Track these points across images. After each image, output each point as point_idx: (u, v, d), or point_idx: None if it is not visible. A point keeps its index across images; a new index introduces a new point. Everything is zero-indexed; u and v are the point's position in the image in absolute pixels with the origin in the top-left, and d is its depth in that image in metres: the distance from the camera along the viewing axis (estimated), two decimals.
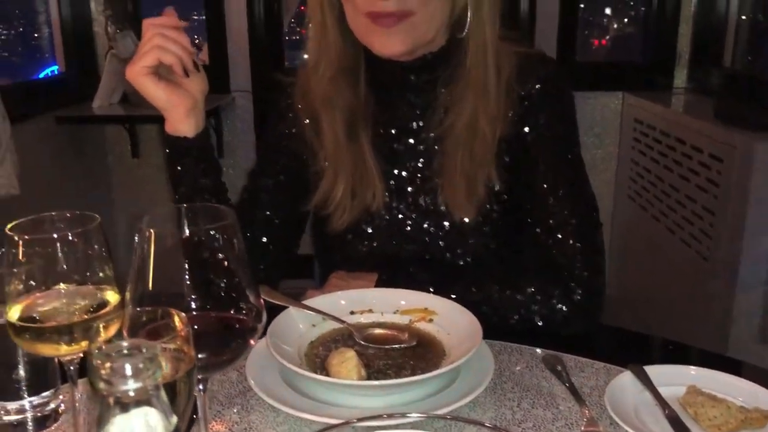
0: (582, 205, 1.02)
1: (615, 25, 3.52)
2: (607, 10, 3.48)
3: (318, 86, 1.04)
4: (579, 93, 2.98)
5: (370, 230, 1.08)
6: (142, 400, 0.37)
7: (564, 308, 0.95)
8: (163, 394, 0.37)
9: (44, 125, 2.51)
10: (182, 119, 1.00)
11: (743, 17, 2.71)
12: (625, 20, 3.43)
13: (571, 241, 0.99)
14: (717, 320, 2.04)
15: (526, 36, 2.82)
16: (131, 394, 0.36)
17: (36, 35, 2.93)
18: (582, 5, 3.09)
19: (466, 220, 1.03)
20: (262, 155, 1.14)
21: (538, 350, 0.89)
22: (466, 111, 1.01)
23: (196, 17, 3.19)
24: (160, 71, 0.97)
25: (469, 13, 0.99)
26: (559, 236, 0.99)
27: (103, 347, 0.38)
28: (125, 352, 0.37)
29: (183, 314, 0.49)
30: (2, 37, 2.68)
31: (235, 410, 0.77)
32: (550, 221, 1.00)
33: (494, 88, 1.01)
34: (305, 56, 1.08)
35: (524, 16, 2.85)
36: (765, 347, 1.94)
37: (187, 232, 0.58)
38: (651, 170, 2.57)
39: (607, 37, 3.55)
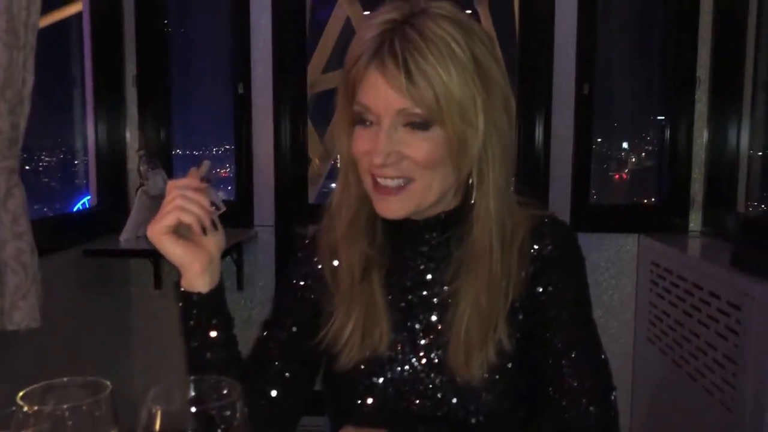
0: (595, 367, 1.03)
1: (633, 159, 3.64)
2: (625, 144, 3.61)
3: (339, 226, 1.09)
4: (595, 234, 3.03)
5: (380, 382, 1.08)
6: None
7: None
8: None
9: (72, 257, 2.59)
10: (198, 275, 1.04)
11: (755, 165, 2.78)
12: (643, 155, 3.55)
13: (584, 405, 0.99)
14: None
15: (541, 180, 2.91)
16: None
17: (73, 167, 3.10)
18: (599, 139, 3.22)
19: (478, 372, 1.03)
20: (277, 305, 1.16)
21: None
22: (475, 272, 1.04)
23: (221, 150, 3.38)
24: (180, 229, 1.02)
25: (473, 183, 1.03)
26: (573, 400, 0.99)
27: None
28: None
29: None
30: (43, 165, 2.85)
31: None
32: (564, 384, 1.00)
33: (501, 254, 1.04)
34: (330, 201, 1.12)
35: (539, 157, 2.94)
36: None
37: (192, 408, 0.59)
38: (670, 314, 2.55)
39: (627, 170, 3.66)
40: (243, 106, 3.01)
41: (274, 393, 1.09)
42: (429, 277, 1.09)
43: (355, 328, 1.07)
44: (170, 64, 3.14)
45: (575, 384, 1.00)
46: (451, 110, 0.96)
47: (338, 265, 1.10)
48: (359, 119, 1.01)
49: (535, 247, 1.06)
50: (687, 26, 2.86)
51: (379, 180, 1.01)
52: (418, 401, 1.07)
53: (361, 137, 1.01)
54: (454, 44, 0.95)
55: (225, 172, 3.43)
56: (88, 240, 2.70)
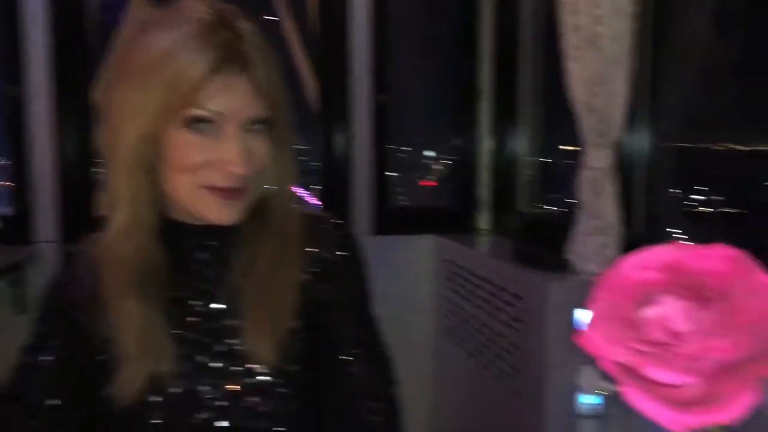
0: (380, 366, 1.06)
1: (434, 166, 3.82)
2: (427, 152, 3.79)
3: (111, 243, 1.00)
4: (394, 237, 3.13)
5: (160, 400, 1.02)
6: None
7: None
8: None
9: None
10: None
11: (533, 169, 3.04)
12: (440, 161, 3.74)
13: (368, 403, 1.02)
14: None
15: (343, 185, 2.97)
16: None
17: None
18: (406, 148, 3.37)
19: (264, 378, 1.01)
20: (38, 327, 1.05)
21: None
22: (261, 273, 1.02)
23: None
24: None
25: (271, 170, 1.02)
26: (359, 399, 1.02)
27: None
28: None
29: None
30: None
31: None
32: (348, 383, 1.02)
33: (287, 251, 1.03)
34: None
35: (340, 162, 2.99)
36: None
37: None
38: (464, 308, 2.70)
39: (430, 176, 3.84)
40: (15, 112, 2.73)
41: (37, 423, 0.99)
42: (208, 286, 1.05)
43: (135, 355, 0.99)
44: None
45: (360, 383, 1.02)
46: (284, 111, 0.98)
47: (110, 288, 1.01)
48: (189, 127, 0.92)
49: (316, 249, 1.06)
50: (468, 42, 3.07)
51: (224, 185, 0.95)
52: (201, 414, 1.02)
53: (194, 146, 0.93)
54: (267, 43, 0.96)
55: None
56: None
